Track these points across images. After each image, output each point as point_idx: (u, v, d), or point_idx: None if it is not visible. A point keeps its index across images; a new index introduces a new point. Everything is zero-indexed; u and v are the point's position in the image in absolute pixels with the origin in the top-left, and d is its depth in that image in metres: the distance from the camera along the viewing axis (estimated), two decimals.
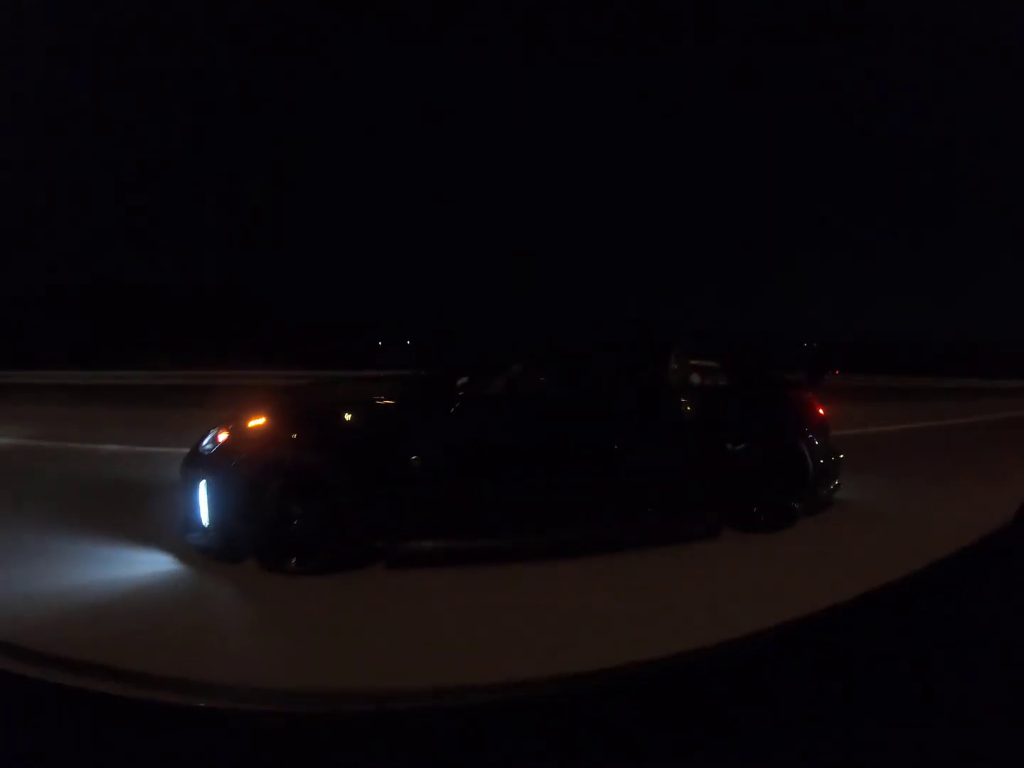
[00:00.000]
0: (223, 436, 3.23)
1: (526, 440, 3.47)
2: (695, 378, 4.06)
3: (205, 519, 3.12)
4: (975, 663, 1.78)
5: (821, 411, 4.19)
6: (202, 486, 3.12)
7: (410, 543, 3.18)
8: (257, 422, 3.23)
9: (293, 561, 3.02)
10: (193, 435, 3.56)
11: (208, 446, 3.27)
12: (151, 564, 3.09)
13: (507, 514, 3.34)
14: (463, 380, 3.52)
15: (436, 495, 3.18)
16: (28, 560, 3.10)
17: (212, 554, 3.11)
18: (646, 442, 3.64)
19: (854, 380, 16.84)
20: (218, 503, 3.08)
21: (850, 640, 2.09)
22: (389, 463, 3.13)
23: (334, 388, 4.40)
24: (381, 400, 3.51)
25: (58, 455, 5.84)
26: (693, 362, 4.10)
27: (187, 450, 3.47)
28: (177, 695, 1.97)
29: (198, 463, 3.24)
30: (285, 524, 3.05)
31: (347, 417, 3.31)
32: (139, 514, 3.79)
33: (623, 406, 3.74)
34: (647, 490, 3.56)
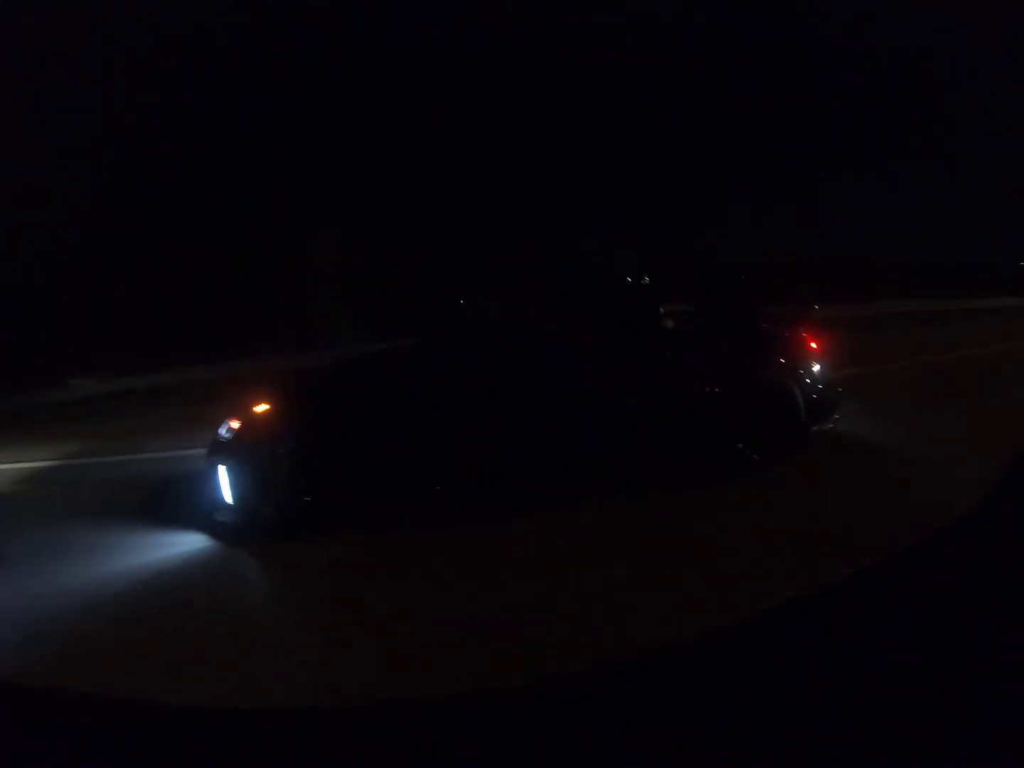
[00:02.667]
0: (235, 424, 3.56)
1: (526, 395, 3.69)
2: (669, 323, 4.15)
3: (228, 499, 3.48)
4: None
5: (813, 345, 4.16)
6: (222, 470, 3.47)
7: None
8: (261, 408, 3.53)
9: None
10: None
11: (225, 433, 3.61)
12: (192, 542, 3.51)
13: (505, 475, 3.58)
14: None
15: (424, 463, 3.43)
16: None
17: (235, 530, 3.47)
18: (642, 387, 3.84)
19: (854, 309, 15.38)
20: (236, 484, 3.42)
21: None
22: (382, 435, 3.40)
23: (335, 368, 4.67)
24: (367, 377, 3.76)
25: None
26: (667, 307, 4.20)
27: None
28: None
29: (218, 450, 3.58)
30: (293, 499, 3.36)
31: (340, 396, 3.58)
32: None
33: (621, 354, 3.95)
34: (644, 433, 3.76)
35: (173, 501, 4.18)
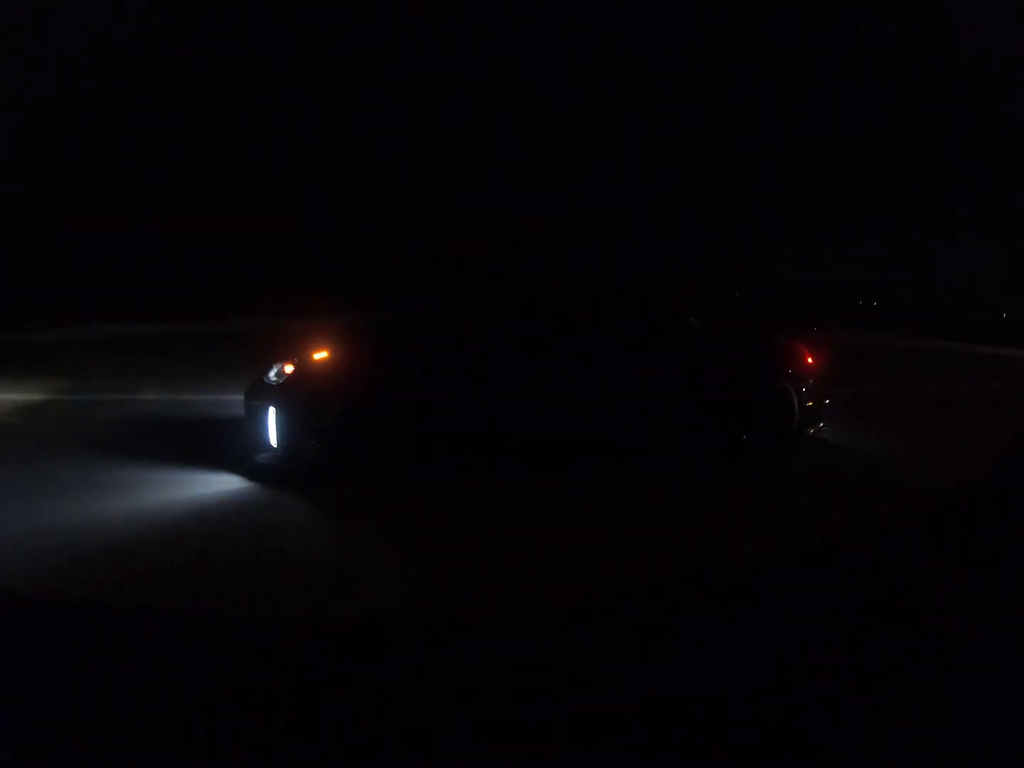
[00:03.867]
0: (289, 368, 3.56)
1: (573, 374, 3.94)
2: (696, 323, 4.55)
3: (273, 442, 3.47)
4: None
5: (810, 360, 4.64)
6: (270, 412, 3.46)
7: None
8: (321, 355, 3.55)
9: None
10: None
11: (274, 378, 3.60)
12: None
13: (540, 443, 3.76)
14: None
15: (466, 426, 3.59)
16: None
17: (279, 472, 3.47)
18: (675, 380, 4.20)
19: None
20: (285, 427, 3.43)
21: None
22: (433, 394, 3.51)
23: (396, 325, 4.69)
24: (431, 337, 3.84)
25: None
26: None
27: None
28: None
29: (265, 392, 3.57)
30: (344, 445, 3.40)
31: (402, 352, 3.65)
32: None
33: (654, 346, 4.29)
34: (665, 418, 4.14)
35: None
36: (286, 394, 3.50)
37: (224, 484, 3.44)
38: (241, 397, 3.86)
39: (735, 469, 4.16)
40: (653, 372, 4.17)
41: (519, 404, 3.79)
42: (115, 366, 7.52)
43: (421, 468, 3.62)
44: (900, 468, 4.37)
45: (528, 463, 3.85)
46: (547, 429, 3.87)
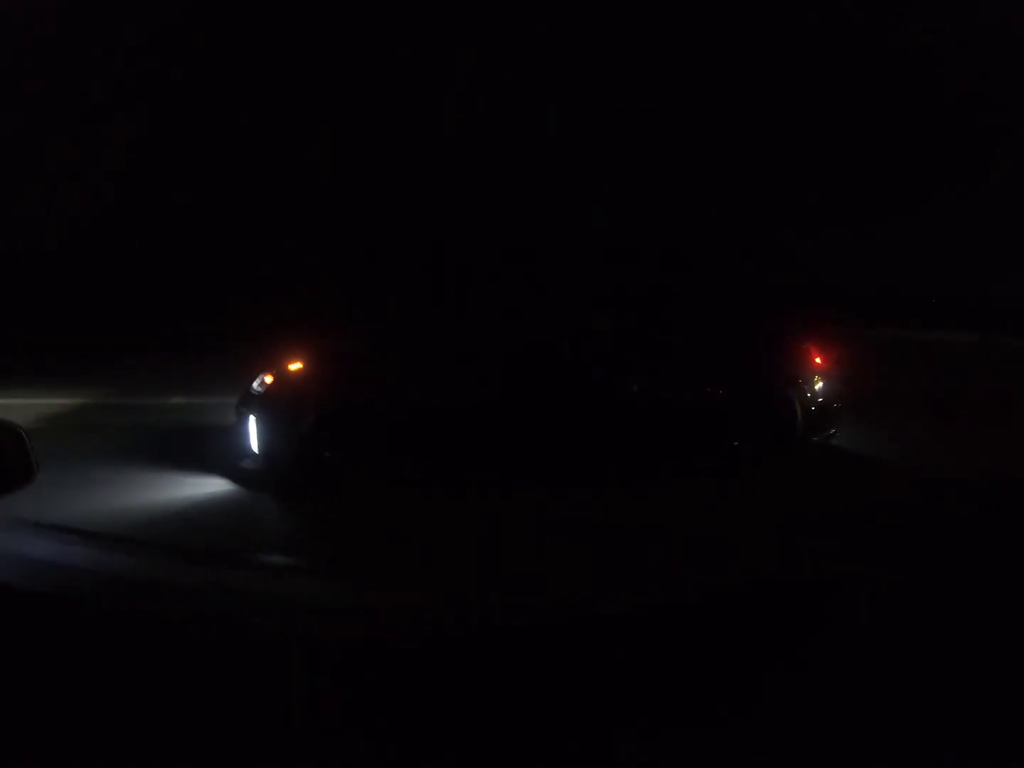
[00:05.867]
0: (268, 379, 3.79)
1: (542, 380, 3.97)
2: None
3: (255, 448, 3.71)
4: None
5: (818, 359, 4.34)
6: (251, 421, 3.70)
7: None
8: (295, 366, 3.77)
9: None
10: None
11: (257, 387, 3.84)
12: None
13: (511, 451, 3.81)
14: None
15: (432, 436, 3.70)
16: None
17: (259, 476, 3.71)
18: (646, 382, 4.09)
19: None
20: (263, 435, 3.66)
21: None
22: (401, 404, 3.64)
23: (366, 335, 4.89)
24: (398, 347, 4.00)
25: None
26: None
27: None
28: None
29: (249, 401, 3.82)
30: (314, 454, 3.60)
31: (369, 364, 3.82)
32: None
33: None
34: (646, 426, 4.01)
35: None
36: (265, 403, 3.73)
37: (207, 486, 3.72)
38: None
39: (721, 480, 3.83)
40: (629, 377, 4.08)
41: (487, 411, 3.85)
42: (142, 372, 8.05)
43: (392, 476, 3.74)
44: (908, 485, 3.85)
45: (497, 469, 3.85)
46: (510, 437, 3.89)
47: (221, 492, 3.64)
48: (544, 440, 3.92)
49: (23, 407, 5.91)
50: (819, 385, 4.27)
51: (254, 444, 3.72)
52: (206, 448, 4.31)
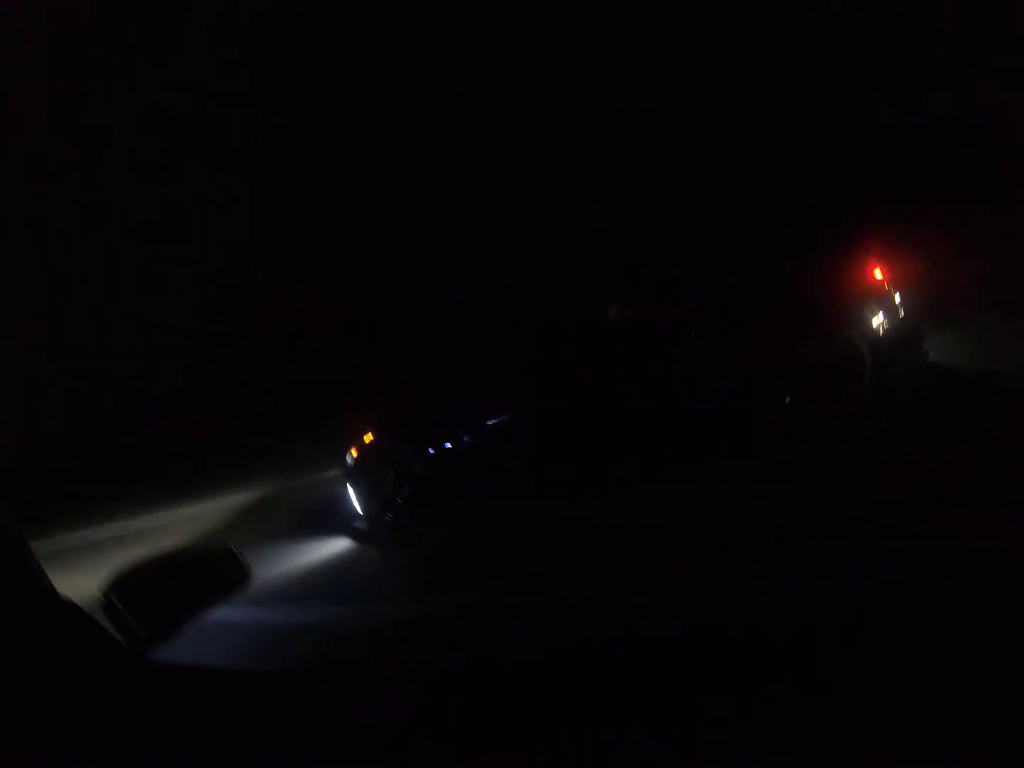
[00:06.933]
0: (353, 452, 4.54)
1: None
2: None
3: (359, 510, 4.49)
4: None
5: (879, 275, 3.79)
6: (350, 489, 4.48)
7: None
8: (368, 438, 4.47)
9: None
10: None
11: (349, 460, 4.61)
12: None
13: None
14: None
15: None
16: None
17: (366, 534, 4.48)
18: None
19: None
20: (359, 499, 4.42)
21: None
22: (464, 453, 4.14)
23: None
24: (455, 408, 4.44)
25: None
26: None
27: None
28: None
29: (347, 471, 4.61)
30: (394, 512, 4.26)
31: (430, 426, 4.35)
32: None
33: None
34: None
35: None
36: (354, 473, 4.49)
37: (332, 544, 4.59)
38: None
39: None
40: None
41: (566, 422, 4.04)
42: None
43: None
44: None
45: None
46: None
47: (343, 549, 4.48)
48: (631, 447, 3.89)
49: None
50: (889, 307, 3.77)
51: (357, 507, 4.50)
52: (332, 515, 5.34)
